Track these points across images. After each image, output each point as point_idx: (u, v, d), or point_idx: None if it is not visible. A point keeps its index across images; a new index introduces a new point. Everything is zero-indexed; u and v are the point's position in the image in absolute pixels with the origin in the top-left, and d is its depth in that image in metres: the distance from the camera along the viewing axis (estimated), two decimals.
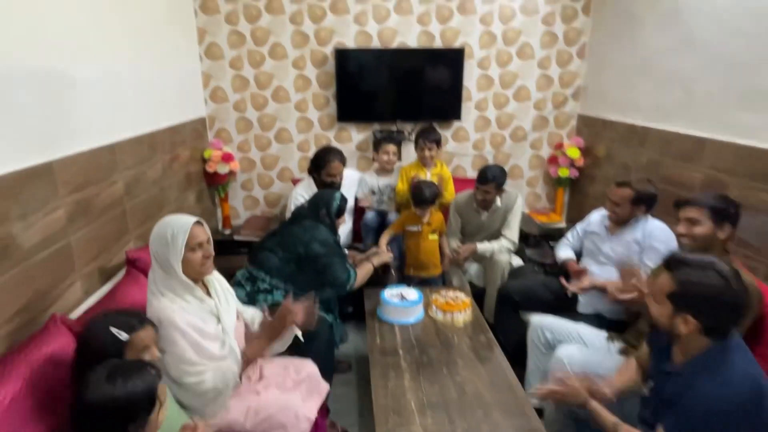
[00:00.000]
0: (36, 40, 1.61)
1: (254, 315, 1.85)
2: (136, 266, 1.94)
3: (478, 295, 2.70)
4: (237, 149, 3.58)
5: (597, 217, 2.45)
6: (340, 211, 2.28)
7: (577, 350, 1.87)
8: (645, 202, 2.21)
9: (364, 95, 3.50)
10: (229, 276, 2.21)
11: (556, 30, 3.52)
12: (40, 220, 1.59)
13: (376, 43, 3.46)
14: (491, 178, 2.65)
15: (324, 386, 1.82)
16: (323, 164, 2.71)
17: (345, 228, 2.88)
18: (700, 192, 2.21)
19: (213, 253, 1.56)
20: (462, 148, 3.71)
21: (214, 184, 3.43)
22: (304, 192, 2.85)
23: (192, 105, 3.25)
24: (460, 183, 3.30)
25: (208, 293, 1.63)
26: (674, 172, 2.58)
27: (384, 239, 2.72)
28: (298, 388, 1.72)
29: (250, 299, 2.08)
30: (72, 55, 1.81)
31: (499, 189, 2.70)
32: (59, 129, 1.73)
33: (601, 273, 2.28)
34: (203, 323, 1.51)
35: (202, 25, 3.34)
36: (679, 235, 1.81)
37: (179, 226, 1.49)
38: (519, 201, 2.80)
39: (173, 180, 2.79)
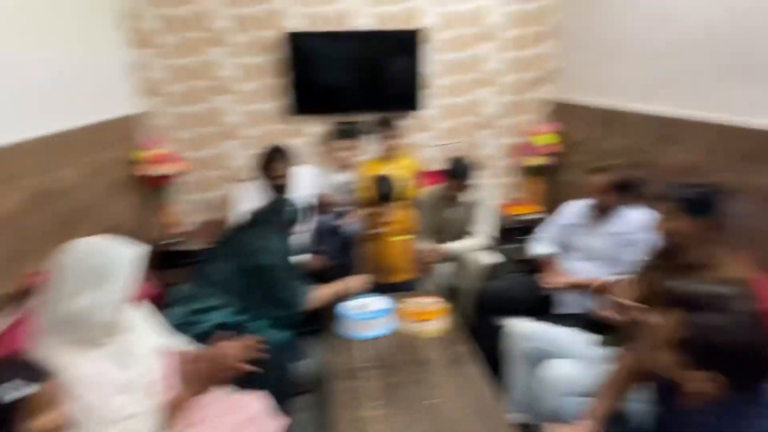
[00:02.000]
0: None
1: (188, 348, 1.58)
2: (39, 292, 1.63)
3: (455, 297, 2.49)
4: (176, 148, 3.27)
5: (575, 207, 2.28)
6: (293, 220, 2.09)
7: (567, 367, 1.68)
8: (627, 189, 2.04)
9: (324, 84, 3.25)
10: (169, 293, 1.97)
11: (526, 8, 3.34)
12: None
13: (327, 26, 3.20)
14: (459, 172, 2.48)
15: (276, 424, 1.57)
16: (265, 165, 2.49)
17: (303, 233, 2.62)
18: (677, 179, 2.02)
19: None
20: (427, 138, 3.51)
21: (151, 188, 3.12)
22: (249, 194, 2.60)
23: (118, 99, 2.92)
24: (426, 176, 3.11)
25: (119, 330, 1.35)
26: (655, 156, 2.42)
27: (362, 262, 2.54)
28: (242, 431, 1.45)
29: (190, 320, 1.83)
30: None
31: (468, 183, 2.52)
32: None
33: (583, 269, 2.11)
34: (108, 371, 1.23)
35: (126, 7, 3.00)
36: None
37: (121, 258, 1.19)
38: (490, 193, 2.65)
39: (96, 188, 2.48)
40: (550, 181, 3.56)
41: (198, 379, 1.40)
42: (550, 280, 2.11)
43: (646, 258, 1.81)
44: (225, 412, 1.48)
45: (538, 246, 2.36)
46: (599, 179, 2.06)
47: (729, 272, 1.53)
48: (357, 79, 3.27)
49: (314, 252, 2.73)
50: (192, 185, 3.39)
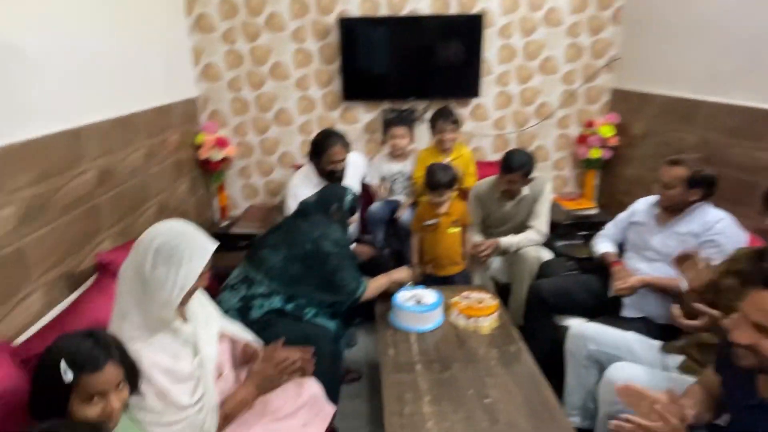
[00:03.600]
0: None
1: (245, 334, 1.60)
2: (110, 271, 1.69)
3: (503, 292, 2.46)
4: (233, 133, 3.32)
5: (643, 205, 2.14)
6: (353, 209, 2.07)
7: (632, 371, 1.59)
8: (702, 186, 1.88)
9: (372, 70, 3.21)
10: (224, 277, 2.02)
11: None
12: None
13: (384, 11, 3.13)
14: (517, 166, 2.36)
15: (329, 409, 1.59)
16: (322, 150, 2.45)
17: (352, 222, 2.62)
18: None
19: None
20: (481, 127, 3.40)
21: (209, 172, 3.18)
22: (304, 181, 2.59)
23: (181, 84, 2.97)
24: (479, 166, 3.02)
25: (183, 316, 1.37)
26: (734, 151, 2.24)
27: (414, 253, 2.50)
28: (297, 414, 1.48)
29: (244, 305, 1.86)
30: (24, 24, 1.53)
31: (527, 177, 2.41)
32: (6, 111, 1.45)
33: (649, 271, 1.99)
34: (175, 361, 1.24)
35: None
36: None
37: (198, 248, 1.21)
38: (548, 187, 2.52)
39: (159, 169, 2.54)
40: (608, 175, 3.39)
41: (264, 381, 1.44)
42: (621, 282, 1.95)
43: (727, 260, 1.68)
44: (283, 395, 1.49)
45: (601, 243, 2.24)
46: (673, 172, 1.90)
47: None
48: (412, 64, 3.20)
49: (359, 241, 2.72)
50: (247, 170, 3.43)
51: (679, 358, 1.65)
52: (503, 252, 2.56)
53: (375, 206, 2.81)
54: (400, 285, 2.11)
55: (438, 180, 2.32)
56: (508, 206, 2.54)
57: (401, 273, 2.14)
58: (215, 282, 2.20)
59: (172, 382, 1.21)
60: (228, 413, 1.35)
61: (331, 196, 2.03)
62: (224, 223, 3.23)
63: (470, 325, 1.96)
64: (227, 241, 2.97)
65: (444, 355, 1.80)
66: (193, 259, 1.19)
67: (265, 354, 1.48)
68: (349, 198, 2.03)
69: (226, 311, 1.76)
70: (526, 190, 2.49)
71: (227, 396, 1.38)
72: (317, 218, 1.95)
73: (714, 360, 1.31)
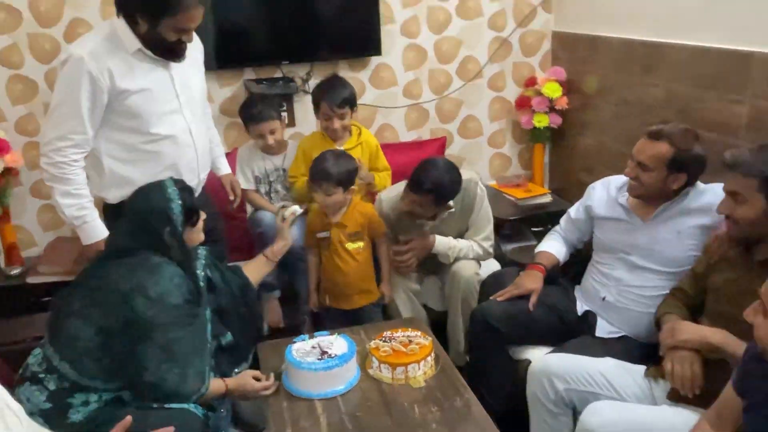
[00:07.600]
0: None
1: None
2: None
3: (437, 325, 2.56)
4: (15, 130, 3.09)
5: (603, 191, 2.29)
6: (191, 213, 1.94)
7: (614, 411, 1.71)
8: (687, 169, 2.00)
9: (227, 24, 3.13)
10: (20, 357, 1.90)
11: None
12: None
13: None
14: (429, 187, 2.34)
15: None
16: None
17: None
18: (749, 146, 1.97)
19: None
20: (388, 97, 3.46)
21: None
22: None
23: None
24: (391, 153, 3.09)
25: None
26: (708, 106, 2.48)
27: (311, 277, 2.59)
28: None
29: (57, 407, 1.75)
30: None
31: (442, 204, 2.47)
32: None
33: (632, 280, 2.13)
34: None
35: None
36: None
37: None
38: (480, 193, 2.61)
39: None
40: (560, 148, 3.62)
41: None
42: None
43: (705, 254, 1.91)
44: None
45: (545, 243, 2.45)
46: (655, 149, 1.98)
47: None
48: (284, 13, 3.19)
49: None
50: (43, 184, 3.16)
51: (667, 385, 1.78)
52: (432, 267, 2.64)
53: (266, 217, 2.71)
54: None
55: (324, 169, 2.33)
56: (427, 227, 2.59)
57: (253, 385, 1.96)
58: (5, 367, 2.11)
59: None
60: None
61: (146, 211, 1.87)
62: (14, 271, 3.03)
63: (398, 377, 1.98)
64: (22, 298, 2.88)
65: (367, 426, 1.81)
66: None
67: None
68: (173, 203, 1.87)
69: (31, 414, 1.64)
70: (450, 205, 2.55)
71: None
72: (137, 258, 1.82)
73: (731, 379, 1.42)
